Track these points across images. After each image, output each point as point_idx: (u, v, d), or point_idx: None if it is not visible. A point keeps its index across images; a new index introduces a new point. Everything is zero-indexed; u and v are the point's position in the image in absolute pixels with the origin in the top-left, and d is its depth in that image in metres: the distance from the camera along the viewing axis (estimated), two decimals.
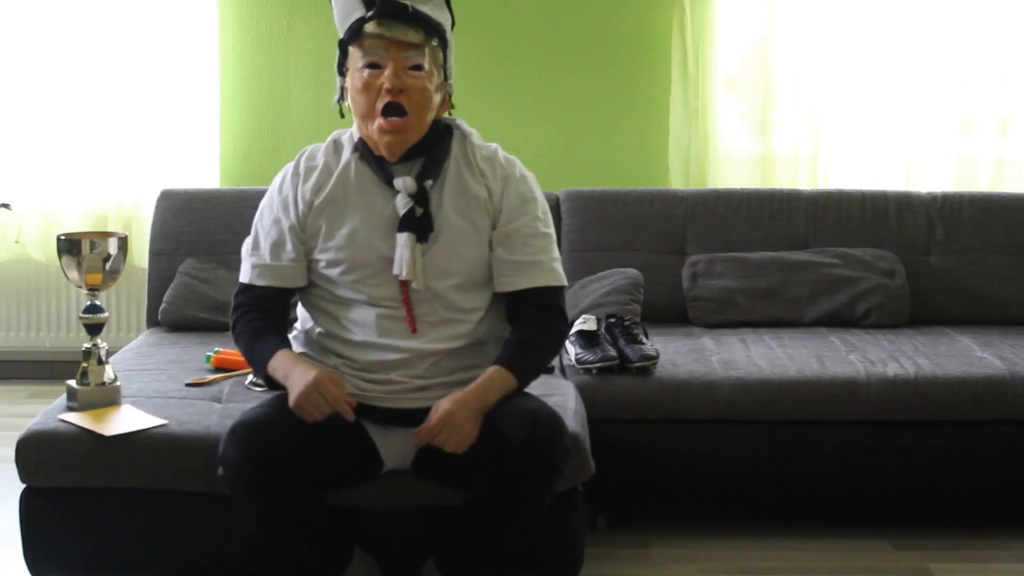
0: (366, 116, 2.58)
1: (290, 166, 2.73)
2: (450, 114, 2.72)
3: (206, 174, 4.67)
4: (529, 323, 2.64)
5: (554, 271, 2.68)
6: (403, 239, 2.58)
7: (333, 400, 2.49)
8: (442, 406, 2.50)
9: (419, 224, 2.59)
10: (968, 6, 4.59)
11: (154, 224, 3.90)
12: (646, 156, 4.73)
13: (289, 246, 2.66)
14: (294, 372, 2.53)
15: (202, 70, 4.64)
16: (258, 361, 2.63)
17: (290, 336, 2.77)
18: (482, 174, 2.67)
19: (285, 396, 2.62)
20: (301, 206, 2.66)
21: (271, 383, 2.63)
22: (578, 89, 4.72)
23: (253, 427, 2.49)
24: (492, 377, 2.56)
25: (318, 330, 2.69)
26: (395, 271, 2.58)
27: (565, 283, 2.72)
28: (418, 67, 2.56)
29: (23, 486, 2.77)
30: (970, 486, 3.34)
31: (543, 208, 2.71)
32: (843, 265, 3.86)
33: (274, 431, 2.49)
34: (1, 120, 4.67)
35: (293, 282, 2.68)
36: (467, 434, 2.49)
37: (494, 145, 2.73)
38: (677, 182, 4.62)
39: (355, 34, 2.58)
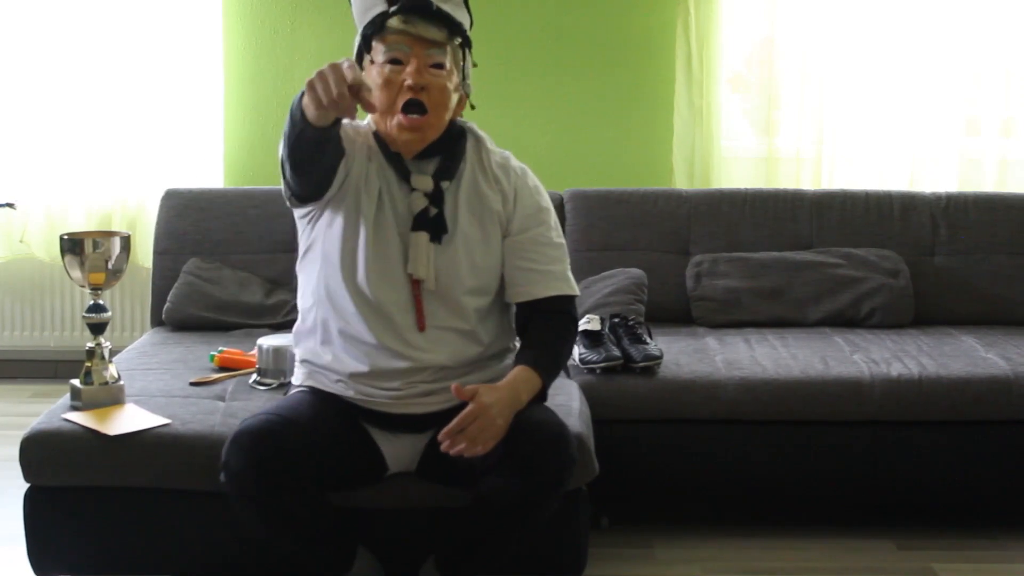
0: (385, 112, 2.54)
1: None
2: (462, 116, 2.70)
3: (210, 174, 4.67)
4: (544, 328, 2.62)
5: (568, 280, 2.67)
6: (417, 238, 2.56)
7: (353, 78, 2.17)
8: (480, 398, 2.40)
9: (433, 224, 2.57)
10: (973, 6, 4.59)
11: (158, 223, 3.90)
12: (650, 156, 4.72)
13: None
14: None
15: (206, 70, 4.64)
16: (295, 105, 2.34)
17: (291, 334, 2.77)
18: (496, 180, 2.65)
19: (288, 400, 2.61)
20: (357, 150, 2.56)
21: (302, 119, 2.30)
22: (582, 89, 4.72)
23: (256, 436, 2.43)
24: (520, 376, 2.51)
25: (321, 320, 2.62)
26: (409, 269, 2.55)
27: (578, 293, 2.70)
28: (440, 65, 2.53)
29: (27, 485, 2.77)
30: (974, 487, 3.33)
31: (555, 219, 2.71)
32: (847, 265, 3.85)
33: (277, 439, 2.43)
34: (5, 120, 4.68)
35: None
36: (497, 431, 2.41)
37: (507, 152, 2.72)
38: (681, 182, 4.62)
39: (379, 28, 2.53)
